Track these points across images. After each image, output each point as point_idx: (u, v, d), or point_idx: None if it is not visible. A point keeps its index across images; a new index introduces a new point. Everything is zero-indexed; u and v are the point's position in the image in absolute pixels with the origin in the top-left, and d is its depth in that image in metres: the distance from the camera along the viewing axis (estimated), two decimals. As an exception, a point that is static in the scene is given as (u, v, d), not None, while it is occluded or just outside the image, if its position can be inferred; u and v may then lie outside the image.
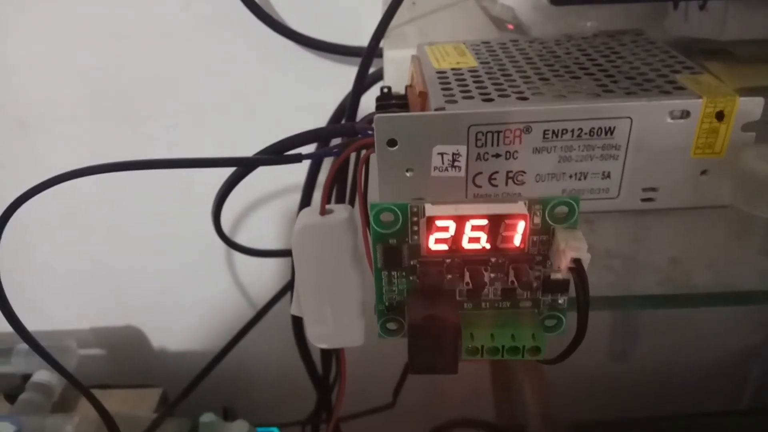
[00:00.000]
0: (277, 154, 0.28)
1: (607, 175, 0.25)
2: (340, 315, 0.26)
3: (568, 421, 0.40)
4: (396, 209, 0.20)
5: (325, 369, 0.56)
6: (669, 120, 0.24)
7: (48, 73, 0.50)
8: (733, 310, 0.63)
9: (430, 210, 0.20)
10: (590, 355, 0.66)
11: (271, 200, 0.56)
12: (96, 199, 0.56)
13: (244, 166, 0.29)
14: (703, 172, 0.25)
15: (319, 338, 0.27)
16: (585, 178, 0.25)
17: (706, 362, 0.66)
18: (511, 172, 0.25)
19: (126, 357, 0.67)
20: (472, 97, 0.25)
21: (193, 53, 0.49)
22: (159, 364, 0.67)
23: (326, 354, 0.55)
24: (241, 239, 0.51)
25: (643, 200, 0.26)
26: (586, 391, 0.65)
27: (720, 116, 0.24)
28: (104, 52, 0.49)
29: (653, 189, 0.25)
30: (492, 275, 0.21)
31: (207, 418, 0.51)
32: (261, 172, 0.33)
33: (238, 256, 0.60)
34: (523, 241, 0.20)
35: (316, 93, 0.50)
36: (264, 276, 0.60)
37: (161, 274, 0.62)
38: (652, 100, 0.24)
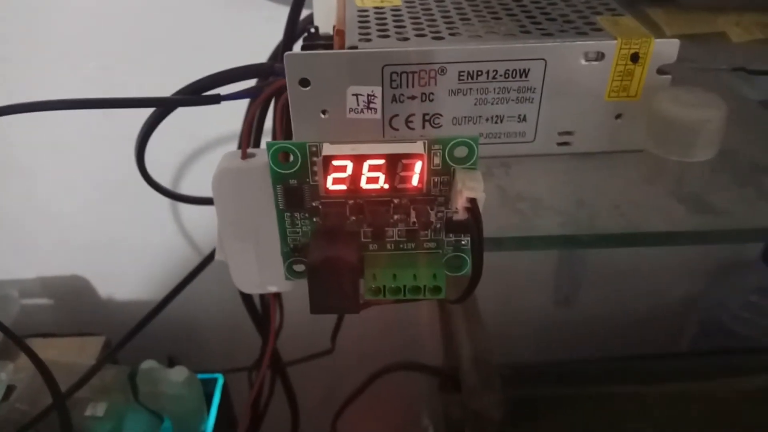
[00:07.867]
0: (195, 94, 0.28)
1: (523, 119, 0.25)
2: (264, 260, 0.26)
3: (497, 363, 0.42)
4: (294, 148, 0.20)
5: (267, 315, 0.56)
6: (583, 62, 0.24)
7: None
8: (673, 259, 0.65)
9: (327, 149, 0.19)
10: (535, 301, 0.67)
11: (215, 147, 0.55)
12: (36, 145, 0.54)
13: (161, 107, 0.28)
14: (618, 116, 0.25)
15: (244, 284, 0.27)
16: (501, 121, 0.25)
17: (646, 308, 0.68)
18: (428, 114, 0.24)
19: (71, 306, 0.66)
20: (388, 36, 0.24)
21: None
22: (105, 312, 0.67)
23: (267, 300, 0.55)
24: (185, 187, 0.50)
25: (559, 144, 0.26)
26: (530, 335, 0.66)
27: (635, 58, 0.24)
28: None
29: (569, 133, 0.25)
30: (396, 216, 0.21)
31: (147, 365, 0.50)
32: (204, 117, 0.31)
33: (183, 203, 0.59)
34: (420, 181, 0.19)
35: (251, 39, 0.48)
36: (209, 223, 0.59)
37: (106, 222, 0.61)
38: (566, 41, 0.23)
